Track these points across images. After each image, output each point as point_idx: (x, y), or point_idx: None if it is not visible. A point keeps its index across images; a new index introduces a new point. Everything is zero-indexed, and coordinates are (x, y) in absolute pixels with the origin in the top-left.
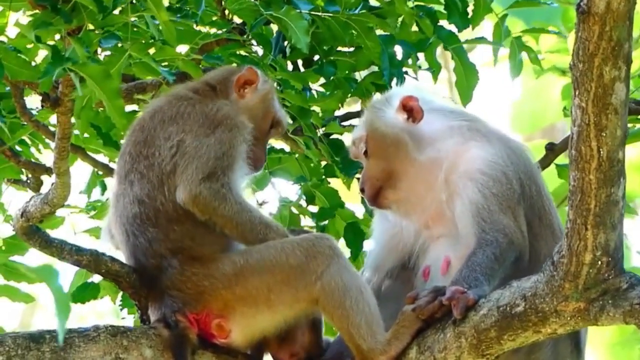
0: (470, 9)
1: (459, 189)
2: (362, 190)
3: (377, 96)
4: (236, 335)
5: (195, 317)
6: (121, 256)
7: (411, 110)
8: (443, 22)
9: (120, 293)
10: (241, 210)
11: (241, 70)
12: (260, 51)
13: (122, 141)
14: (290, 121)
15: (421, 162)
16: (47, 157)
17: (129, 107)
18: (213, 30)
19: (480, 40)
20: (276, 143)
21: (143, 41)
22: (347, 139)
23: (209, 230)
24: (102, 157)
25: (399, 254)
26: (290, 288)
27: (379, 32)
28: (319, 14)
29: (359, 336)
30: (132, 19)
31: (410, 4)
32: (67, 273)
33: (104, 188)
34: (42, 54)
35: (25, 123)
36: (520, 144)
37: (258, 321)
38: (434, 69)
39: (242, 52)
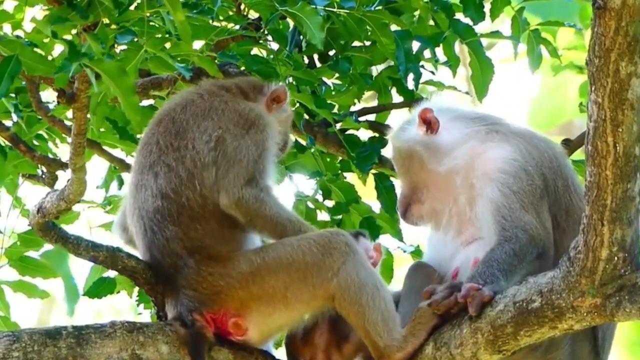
0: (487, 3)
1: (479, 191)
2: (400, 213)
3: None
4: (253, 332)
5: (212, 317)
6: (131, 251)
7: (429, 122)
8: (459, 16)
9: (137, 288)
10: (279, 210)
11: (274, 85)
12: (275, 46)
13: (139, 135)
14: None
15: (439, 172)
16: (63, 152)
17: (145, 102)
18: (229, 26)
19: (497, 34)
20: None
21: (159, 36)
22: (362, 134)
23: (231, 228)
24: (118, 152)
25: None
26: (307, 285)
27: (394, 27)
28: (334, 9)
29: (376, 333)
30: (148, 14)
31: None
32: (83, 268)
33: (120, 183)
34: (58, 49)
35: (42, 118)
36: (546, 139)
37: (275, 319)
38: (452, 63)
39: (258, 50)
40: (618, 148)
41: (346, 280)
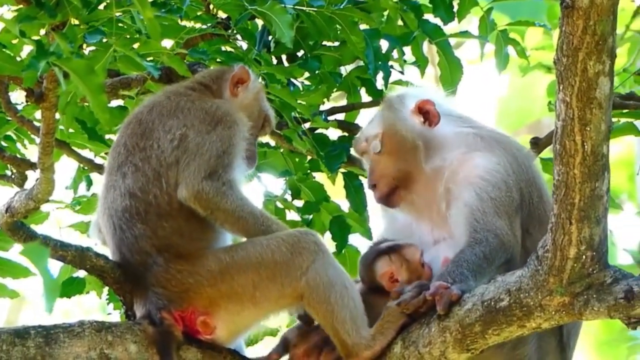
0: (455, 3)
1: (456, 194)
2: (373, 187)
3: (391, 95)
4: (221, 331)
5: (180, 315)
6: (101, 251)
7: (427, 113)
8: (428, 16)
9: (106, 288)
10: (242, 205)
11: (233, 69)
12: (244, 45)
13: (108, 136)
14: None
15: (427, 171)
16: (32, 152)
17: (114, 103)
18: (198, 25)
19: (465, 33)
20: (261, 138)
21: (128, 36)
22: (332, 133)
23: (199, 226)
24: (87, 153)
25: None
26: (275, 284)
27: (363, 26)
28: (304, 8)
29: (344, 331)
30: (117, 14)
31: None
32: (53, 268)
33: (89, 183)
34: (27, 49)
35: (10, 118)
36: (520, 147)
37: (243, 317)
38: (421, 63)
39: (227, 48)
40: (586, 147)
41: (315, 279)
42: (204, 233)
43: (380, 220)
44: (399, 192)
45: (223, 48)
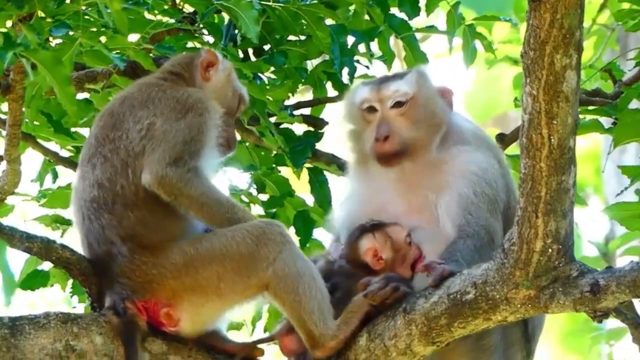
0: None
1: (450, 184)
2: (385, 138)
3: (422, 67)
4: (185, 324)
5: (143, 305)
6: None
7: (449, 101)
8: (394, 10)
9: (71, 281)
10: (207, 192)
11: (200, 55)
12: (211, 40)
13: (74, 129)
14: None
15: (432, 155)
16: None
17: (80, 96)
18: (164, 19)
19: (432, 28)
20: None
21: (94, 30)
22: (297, 128)
23: (164, 217)
24: (53, 145)
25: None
26: (241, 276)
27: (329, 21)
28: (270, 3)
29: (312, 322)
30: (84, 7)
31: None
32: (18, 260)
33: (55, 176)
34: None
35: None
36: (498, 148)
37: (207, 309)
38: (387, 57)
39: (195, 44)
40: (553, 140)
41: (283, 269)
42: (169, 225)
43: (345, 204)
44: (404, 157)
45: (190, 44)
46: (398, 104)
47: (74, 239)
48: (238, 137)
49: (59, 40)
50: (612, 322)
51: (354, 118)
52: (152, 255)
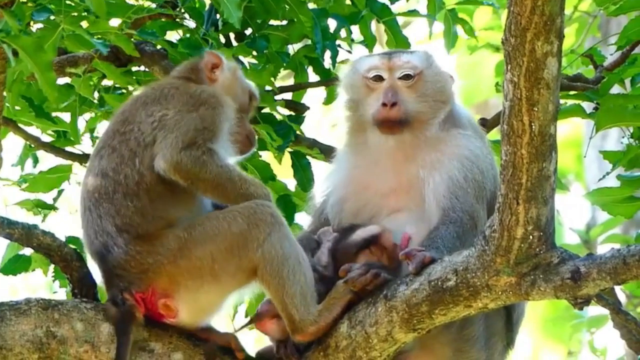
0: None
1: (443, 165)
2: (393, 104)
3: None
4: (184, 313)
5: (141, 297)
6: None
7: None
8: None
9: (52, 265)
10: (221, 172)
11: (203, 58)
12: (192, 25)
13: (55, 114)
14: None
15: (432, 133)
16: None
17: (61, 80)
18: (146, 4)
19: (413, 12)
20: None
21: (75, 14)
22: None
23: (163, 207)
24: (34, 130)
25: (364, 208)
26: (233, 256)
27: (311, 5)
28: None
29: (293, 306)
30: None
31: None
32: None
33: (35, 161)
34: None
35: None
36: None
37: (204, 294)
38: (369, 42)
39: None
40: (534, 127)
41: (270, 251)
42: (167, 214)
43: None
44: (406, 127)
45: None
46: (407, 77)
47: (55, 224)
48: None
49: (40, 25)
50: (593, 310)
51: (355, 87)
52: (146, 244)
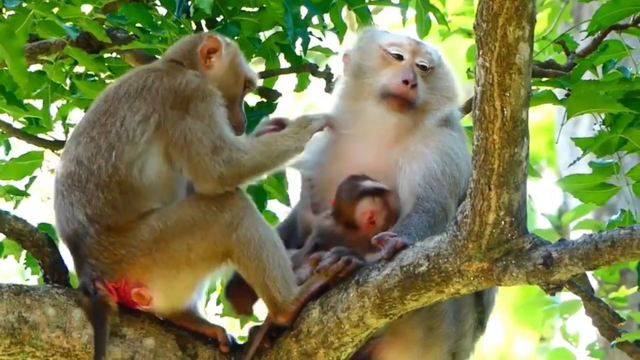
0: None
1: (423, 156)
2: (413, 86)
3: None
4: (158, 301)
5: (114, 286)
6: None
7: None
8: None
9: (25, 252)
10: (255, 153)
11: (202, 40)
12: (163, 12)
13: (26, 101)
14: None
15: (425, 125)
16: None
17: (33, 67)
18: None
19: (385, 1)
20: None
21: (47, 0)
22: (250, 99)
23: (135, 200)
24: (5, 117)
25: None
26: (208, 244)
27: None
28: None
29: (275, 289)
30: None
31: None
32: None
33: (7, 147)
34: None
35: None
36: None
37: (179, 282)
38: (340, 29)
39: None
40: (505, 112)
41: (245, 235)
42: (139, 206)
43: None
44: (409, 109)
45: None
46: (423, 67)
47: (27, 211)
48: None
49: (11, 12)
50: (566, 296)
51: (369, 55)
52: (119, 236)
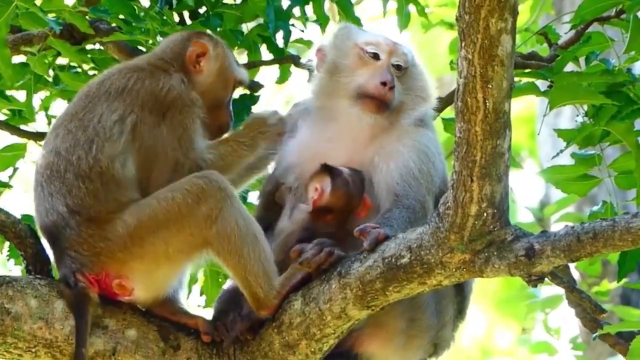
0: None
1: (400, 154)
2: (390, 88)
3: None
4: (139, 291)
5: (94, 278)
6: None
7: None
8: None
9: (7, 243)
10: (223, 164)
11: (190, 44)
12: (146, 3)
13: (9, 92)
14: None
15: (400, 124)
16: None
17: (16, 59)
18: None
19: None
20: None
21: None
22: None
23: (116, 190)
24: None
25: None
26: (186, 236)
27: None
28: None
29: (257, 284)
30: None
31: None
32: None
33: None
34: None
35: None
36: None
37: (159, 274)
38: (322, 21)
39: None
40: (488, 104)
41: (225, 228)
42: (120, 196)
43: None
44: (385, 110)
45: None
46: (399, 67)
47: (10, 203)
48: None
49: None
50: (548, 290)
51: (345, 53)
52: (98, 229)
